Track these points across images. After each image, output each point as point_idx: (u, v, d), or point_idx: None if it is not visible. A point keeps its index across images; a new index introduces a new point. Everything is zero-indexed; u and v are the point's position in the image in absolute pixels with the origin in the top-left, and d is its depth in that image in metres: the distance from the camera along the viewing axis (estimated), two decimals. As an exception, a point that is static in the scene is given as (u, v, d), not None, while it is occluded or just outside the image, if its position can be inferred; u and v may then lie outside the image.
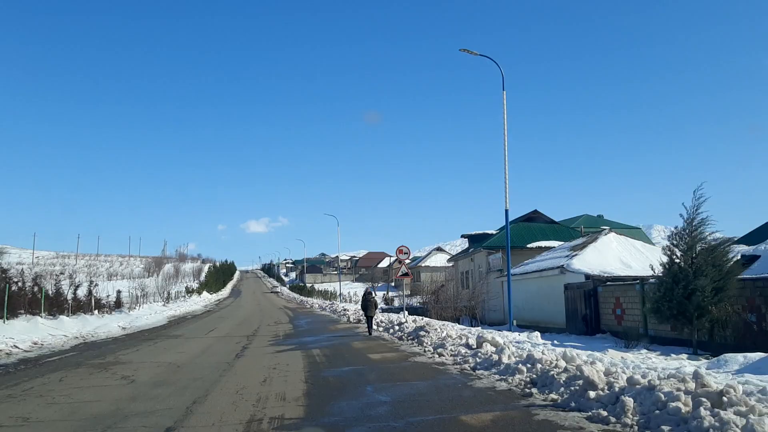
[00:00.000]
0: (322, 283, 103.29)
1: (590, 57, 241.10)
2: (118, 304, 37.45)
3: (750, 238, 26.61)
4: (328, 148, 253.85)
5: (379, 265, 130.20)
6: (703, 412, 5.27)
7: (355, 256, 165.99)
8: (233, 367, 11.89)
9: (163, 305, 51.07)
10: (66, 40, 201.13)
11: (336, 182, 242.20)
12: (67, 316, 26.64)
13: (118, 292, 38.84)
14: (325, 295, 72.67)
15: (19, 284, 25.07)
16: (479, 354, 11.31)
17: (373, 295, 20.88)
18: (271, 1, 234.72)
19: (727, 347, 13.24)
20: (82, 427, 6.69)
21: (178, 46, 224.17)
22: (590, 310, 22.69)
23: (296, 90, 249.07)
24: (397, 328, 19.50)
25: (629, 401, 6.11)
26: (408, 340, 16.70)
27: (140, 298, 48.22)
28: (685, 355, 13.54)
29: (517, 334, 17.16)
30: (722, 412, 5.15)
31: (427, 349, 14.10)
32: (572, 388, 7.24)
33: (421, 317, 26.70)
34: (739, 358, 10.00)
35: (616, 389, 6.70)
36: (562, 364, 8.54)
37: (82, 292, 32.14)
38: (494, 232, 40.50)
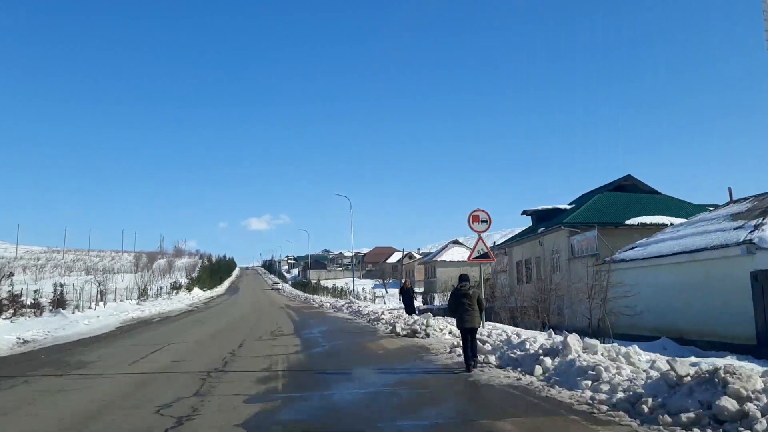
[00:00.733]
0: (326, 279, 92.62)
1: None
2: (58, 303, 26.88)
3: None
4: (327, 147, 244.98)
5: (388, 261, 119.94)
6: None
7: (359, 252, 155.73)
8: None
9: (137, 304, 40.66)
10: (64, 38, 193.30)
11: (335, 181, 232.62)
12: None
13: (59, 287, 28.13)
14: (333, 292, 61.97)
15: None
16: None
17: (473, 289, 9.63)
18: (270, 0, 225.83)
19: None
20: None
21: (180, 46, 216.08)
22: None
23: (297, 89, 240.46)
24: (534, 358, 8.79)
25: None
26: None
27: (103, 296, 37.72)
28: None
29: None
30: None
31: None
32: None
33: (512, 328, 16.46)
34: None
35: None
36: None
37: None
38: (567, 207, 29.79)
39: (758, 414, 4.73)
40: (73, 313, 26.33)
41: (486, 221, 15.86)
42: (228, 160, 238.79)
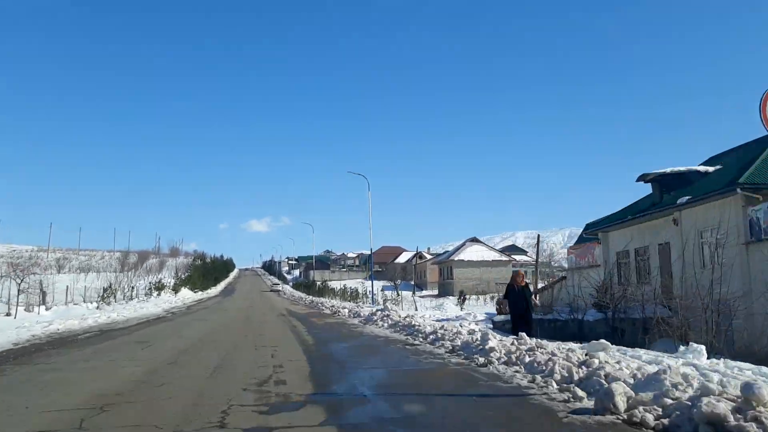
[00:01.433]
0: (330, 280, 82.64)
1: None
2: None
3: None
4: (327, 147, 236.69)
5: (397, 261, 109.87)
6: None
7: (362, 253, 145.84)
8: None
9: (96, 308, 30.86)
10: (59, 31, 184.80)
11: (337, 180, 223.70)
12: None
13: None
14: (343, 294, 51.82)
15: None
16: None
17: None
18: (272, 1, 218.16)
19: None
20: None
21: (182, 43, 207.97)
22: None
23: (297, 87, 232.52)
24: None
25: None
26: None
27: (44, 297, 27.84)
28: None
29: None
30: None
31: None
32: None
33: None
34: None
35: None
36: None
37: None
38: (708, 169, 19.72)
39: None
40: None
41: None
42: (228, 161, 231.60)
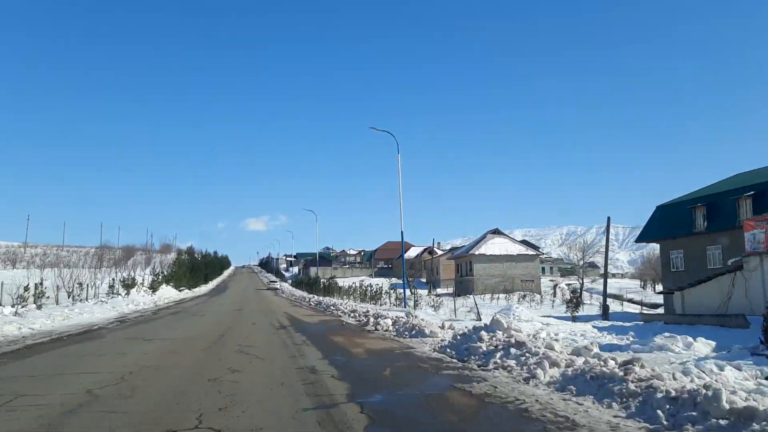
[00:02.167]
0: (334, 277, 72.71)
1: None
2: None
3: None
4: (326, 145, 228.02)
5: (404, 257, 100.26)
6: None
7: (364, 251, 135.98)
8: None
9: (15, 313, 21.00)
10: (56, 28, 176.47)
11: (335, 178, 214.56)
12: None
13: None
14: (353, 293, 41.88)
15: None
16: None
17: None
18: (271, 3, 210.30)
19: None
20: None
21: (182, 43, 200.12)
22: None
23: (298, 86, 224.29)
24: None
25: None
26: None
27: None
28: None
29: None
30: None
31: None
32: None
33: None
34: None
35: None
36: None
37: None
38: None
39: None
40: None
41: None
42: (226, 160, 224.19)
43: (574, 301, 25.46)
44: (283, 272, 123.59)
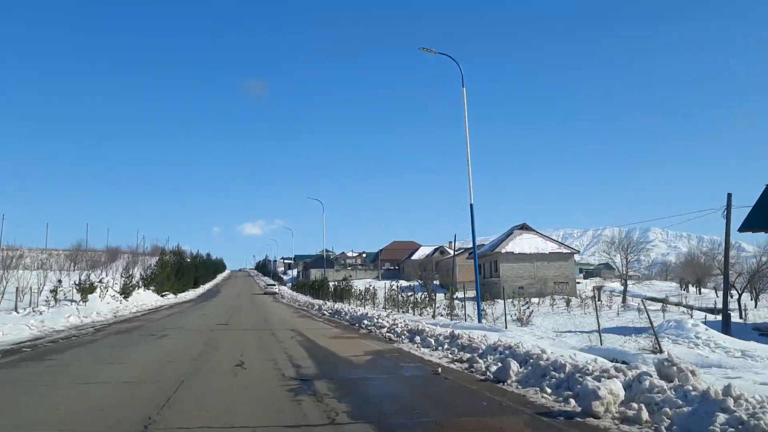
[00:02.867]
0: (346, 279, 63.61)
1: None
2: None
3: None
4: (326, 144, 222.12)
5: (413, 257, 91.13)
6: None
7: (364, 252, 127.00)
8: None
9: None
10: (54, 25, 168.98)
11: (338, 178, 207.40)
12: None
13: None
14: (371, 298, 32.91)
15: None
16: None
17: None
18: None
19: None
20: None
21: (181, 41, 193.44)
22: None
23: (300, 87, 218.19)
24: None
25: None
26: None
27: None
28: None
29: None
30: None
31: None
32: None
33: None
34: None
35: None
36: None
37: None
38: None
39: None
40: None
41: None
42: (223, 163, 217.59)
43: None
44: (281, 275, 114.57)
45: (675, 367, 5.27)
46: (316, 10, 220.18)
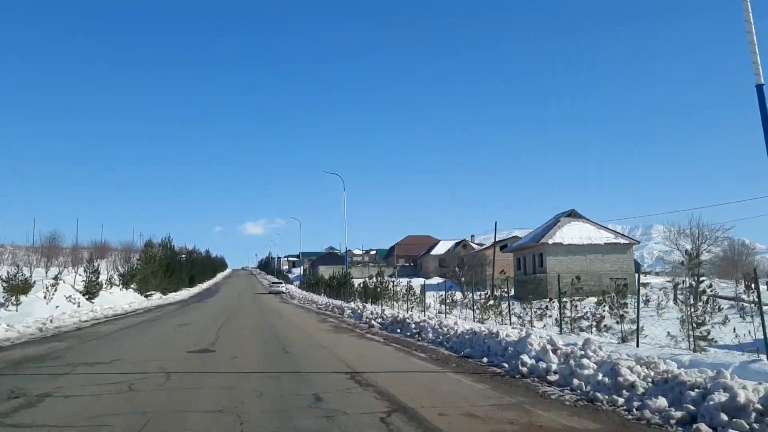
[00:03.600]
0: (380, 273, 54.52)
1: None
2: None
3: None
4: (324, 145, 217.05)
5: (432, 252, 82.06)
6: None
7: (372, 249, 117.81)
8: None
9: None
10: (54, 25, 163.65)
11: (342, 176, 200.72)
12: None
13: None
14: (414, 299, 23.97)
15: None
16: None
17: None
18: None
19: None
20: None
21: (180, 40, 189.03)
22: None
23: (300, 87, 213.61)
24: None
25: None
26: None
27: None
28: None
29: None
30: None
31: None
32: None
33: None
34: None
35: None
36: None
37: None
38: None
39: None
40: None
41: None
42: (224, 162, 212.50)
43: None
44: (286, 273, 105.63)
45: None
46: (316, 10, 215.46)
